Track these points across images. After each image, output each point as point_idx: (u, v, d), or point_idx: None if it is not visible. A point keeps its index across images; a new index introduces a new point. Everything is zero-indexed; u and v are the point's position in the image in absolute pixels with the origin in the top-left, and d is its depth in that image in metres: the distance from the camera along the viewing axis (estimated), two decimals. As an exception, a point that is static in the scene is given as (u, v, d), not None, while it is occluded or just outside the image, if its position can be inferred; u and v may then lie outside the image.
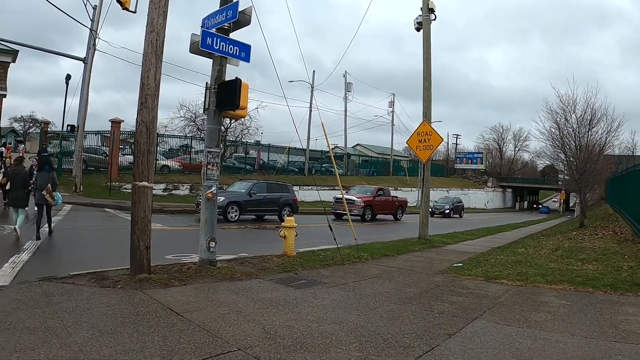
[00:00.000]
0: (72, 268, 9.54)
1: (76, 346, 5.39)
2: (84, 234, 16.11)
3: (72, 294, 7.57)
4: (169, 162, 35.85)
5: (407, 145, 21.68)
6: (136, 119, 9.12)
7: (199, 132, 38.83)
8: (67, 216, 19.09)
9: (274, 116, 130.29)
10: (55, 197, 14.01)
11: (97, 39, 28.36)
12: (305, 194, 34.47)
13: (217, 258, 10.35)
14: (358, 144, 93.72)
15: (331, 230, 11.92)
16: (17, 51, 33.91)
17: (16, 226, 13.12)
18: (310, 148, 49.77)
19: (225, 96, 9.71)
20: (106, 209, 23.38)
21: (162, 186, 31.83)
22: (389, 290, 9.10)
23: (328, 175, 48.65)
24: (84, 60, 29.04)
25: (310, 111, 47.95)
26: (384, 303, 8.03)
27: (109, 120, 32.62)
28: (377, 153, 79.14)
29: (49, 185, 13.80)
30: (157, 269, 9.15)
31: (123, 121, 33.33)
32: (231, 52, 9.98)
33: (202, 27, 10.39)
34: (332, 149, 59.22)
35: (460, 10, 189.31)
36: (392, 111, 66.69)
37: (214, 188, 10.05)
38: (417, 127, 18.29)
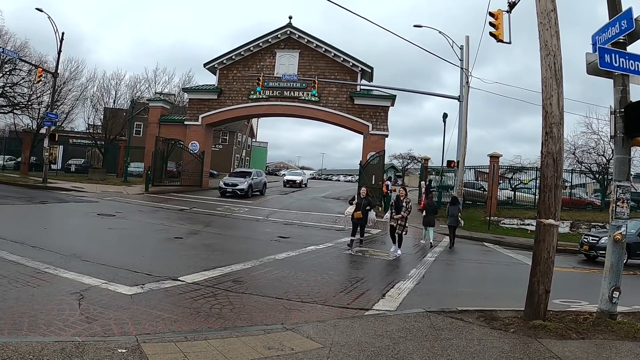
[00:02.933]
0: (455, 302, 9.46)
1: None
2: (465, 267, 16.15)
3: (461, 332, 7.32)
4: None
5: None
6: (541, 151, 8.48)
7: (578, 165, 36.53)
8: (448, 248, 19.41)
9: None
10: (461, 222, 21.08)
11: (469, 77, 29.07)
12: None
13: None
14: None
15: None
16: (395, 96, 36.93)
17: (430, 240, 19.45)
18: None
19: (635, 120, 8.41)
20: (485, 243, 23.22)
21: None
22: None
23: None
24: (458, 98, 29.88)
25: None
26: None
27: (487, 155, 32.86)
28: None
29: (459, 213, 21.11)
30: (550, 316, 8.31)
31: (502, 156, 33.12)
32: (632, 68, 8.59)
33: (592, 44, 9.36)
34: None
35: None
36: None
37: (623, 229, 8.69)
38: None
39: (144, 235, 15.37)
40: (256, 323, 7.18)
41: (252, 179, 35.98)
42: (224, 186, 34.33)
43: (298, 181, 52.96)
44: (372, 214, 17.07)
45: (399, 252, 15.98)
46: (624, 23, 8.57)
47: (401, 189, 17.48)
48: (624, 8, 8.85)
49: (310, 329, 6.79)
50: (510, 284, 13.43)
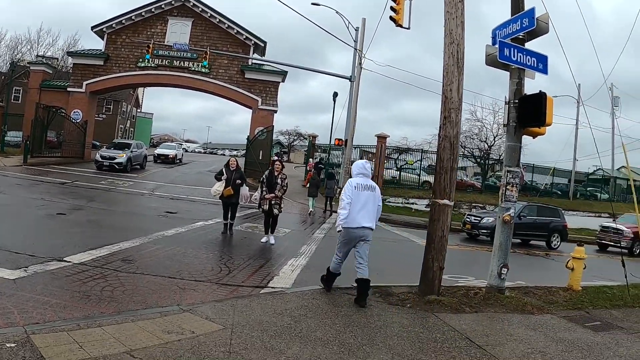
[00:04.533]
0: (348, 278, 9.45)
1: (379, 370, 5.13)
2: (354, 243, 16.29)
3: (360, 307, 7.49)
4: (430, 178, 35.65)
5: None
6: (438, 134, 8.83)
7: (461, 149, 38.43)
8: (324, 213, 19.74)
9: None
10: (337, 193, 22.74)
11: (363, 58, 29.45)
12: (568, 220, 31.94)
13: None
14: (623, 166, 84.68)
15: (623, 265, 10.51)
16: (286, 72, 36.99)
17: (311, 209, 22.80)
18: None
19: (529, 111, 8.93)
20: (372, 221, 23.69)
21: (425, 202, 31.52)
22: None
23: (593, 200, 44.84)
24: (350, 78, 30.37)
25: (577, 128, 44.44)
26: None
27: (375, 135, 33.73)
28: (646, 177, 70.76)
29: (335, 187, 24.85)
30: (444, 291, 8.73)
31: (389, 136, 34.10)
32: (529, 63, 9.22)
33: (492, 37, 9.85)
34: (596, 170, 54.66)
35: None
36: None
37: (511, 210, 9.27)
38: None
39: (23, 212, 14.29)
40: (151, 305, 6.86)
41: (132, 151, 33.51)
42: (100, 159, 31.45)
43: (171, 156, 44.84)
44: (244, 190, 14.19)
45: (273, 240, 13.28)
46: (525, 21, 9.11)
47: (277, 163, 13.81)
48: (527, 7, 9.39)
49: (208, 309, 6.63)
50: (400, 260, 13.97)
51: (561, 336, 7.22)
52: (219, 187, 14.00)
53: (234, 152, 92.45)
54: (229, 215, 14.21)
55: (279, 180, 13.14)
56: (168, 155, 44.62)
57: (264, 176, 13.45)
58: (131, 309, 6.62)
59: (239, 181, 13.99)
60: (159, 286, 7.96)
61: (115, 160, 31.27)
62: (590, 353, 6.57)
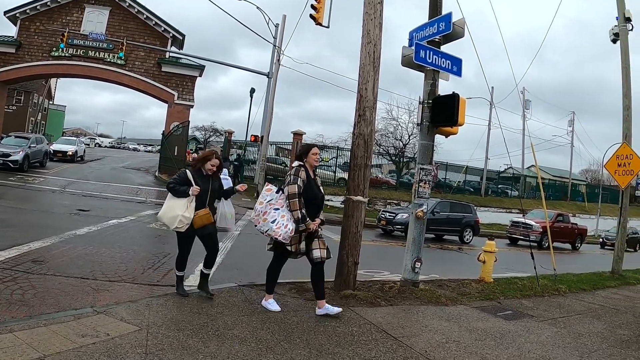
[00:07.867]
0: (264, 275, 9.52)
1: (297, 366, 5.17)
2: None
3: (276, 305, 7.48)
4: (345, 175, 36.10)
5: (605, 169, 19.45)
6: (353, 132, 8.99)
7: (377, 147, 39.17)
8: (251, 222, 19.56)
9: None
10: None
11: (281, 55, 29.69)
12: (480, 215, 33.38)
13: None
14: (532, 165, 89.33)
15: (532, 258, 11.09)
16: (204, 66, 36.55)
17: None
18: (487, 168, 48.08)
19: (441, 111, 9.27)
20: (288, 218, 23.73)
21: (340, 198, 31.80)
22: (601, 330, 8.27)
23: (504, 197, 46.88)
24: (268, 75, 30.47)
25: (489, 129, 46.40)
26: (602, 345, 7.28)
27: (291, 132, 34.05)
28: (553, 175, 74.78)
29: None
30: (359, 285, 8.90)
31: (305, 133, 34.42)
32: (444, 65, 9.54)
33: (409, 39, 10.15)
34: (507, 169, 57.26)
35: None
36: (572, 131, 62.59)
37: (424, 206, 9.57)
38: (616, 150, 16.56)
39: None
40: (64, 308, 6.54)
41: (30, 147, 28.41)
42: None
43: (70, 152, 37.17)
44: (229, 207, 7.94)
45: (335, 309, 7.15)
46: (442, 25, 9.42)
47: (316, 152, 7.27)
48: (444, 11, 9.70)
49: (122, 310, 6.42)
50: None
51: (475, 325, 7.56)
52: (184, 210, 7.03)
53: (149, 148, 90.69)
54: (206, 257, 7.74)
55: (321, 189, 7.36)
56: (66, 151, 37.27)
57: (297, 184, 6.84)
58: (44, 313, 6.28)
59: (232, 189, 8.13)
60: (72, 287, 7.61)
61: (10, 158, 26.37)
62: (503, 340, 6.91)
